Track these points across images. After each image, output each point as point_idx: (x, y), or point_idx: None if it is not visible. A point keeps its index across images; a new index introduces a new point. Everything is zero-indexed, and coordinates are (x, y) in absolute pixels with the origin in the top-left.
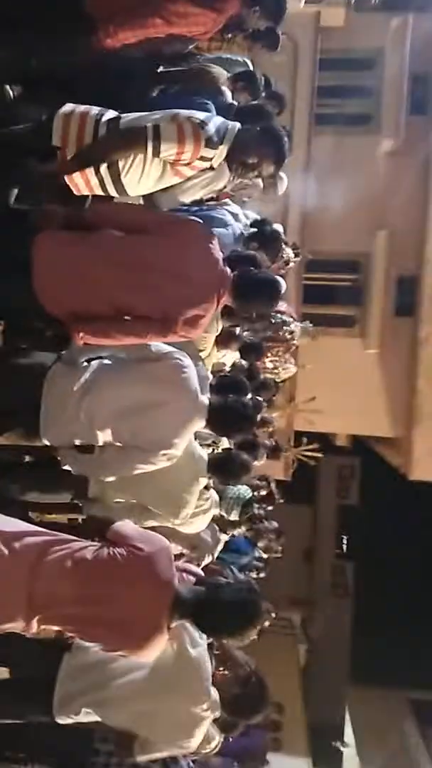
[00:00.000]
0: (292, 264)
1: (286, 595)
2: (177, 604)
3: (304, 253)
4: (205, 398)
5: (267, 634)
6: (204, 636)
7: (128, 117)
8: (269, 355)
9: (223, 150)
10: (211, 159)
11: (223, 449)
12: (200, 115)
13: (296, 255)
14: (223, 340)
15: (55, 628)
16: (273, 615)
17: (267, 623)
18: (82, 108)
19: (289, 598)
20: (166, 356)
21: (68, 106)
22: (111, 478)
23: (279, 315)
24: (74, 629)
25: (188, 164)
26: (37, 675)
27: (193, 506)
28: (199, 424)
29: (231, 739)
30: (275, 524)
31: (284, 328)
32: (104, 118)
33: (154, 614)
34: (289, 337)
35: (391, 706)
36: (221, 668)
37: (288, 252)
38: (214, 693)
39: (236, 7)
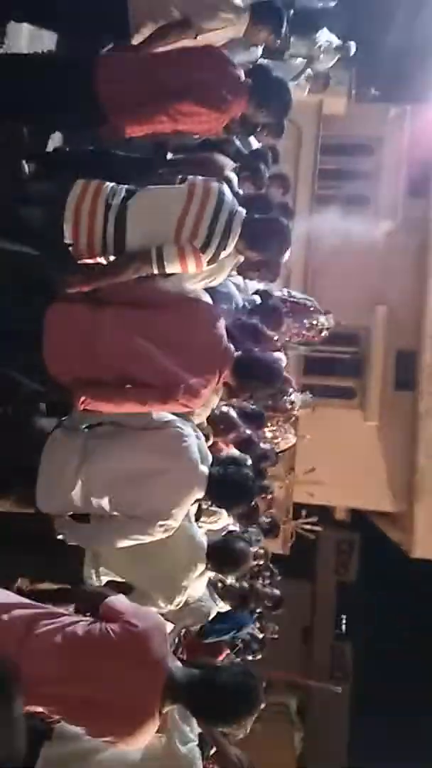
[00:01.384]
0: (326, 332)
1: (283, 677)
2: (170, 686)
3: (337, 320)
4: (205, 468)
5: (261, 719)
6: (195, 731)
7: (137, 206)
8: (269, 424)
9: (226, 251)
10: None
11: (222, 536)
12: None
13: (328, 323)
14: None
15: (39, 709)
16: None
17: (262, 707)
18: (91, 196)
19: (285, 682)
20: (167, 425)
21: (77, 190)
22: (106, 549)
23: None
24: (60, 710)
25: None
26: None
27: (187, 594)
28: (198, 495)
29: None
30: (277, 592)
31: (284, 398)
32: (112, 213)
33: (145, 696)
34: (289, 407)
35: None
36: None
37: (322, 321)
38: None
39: (242, 108)
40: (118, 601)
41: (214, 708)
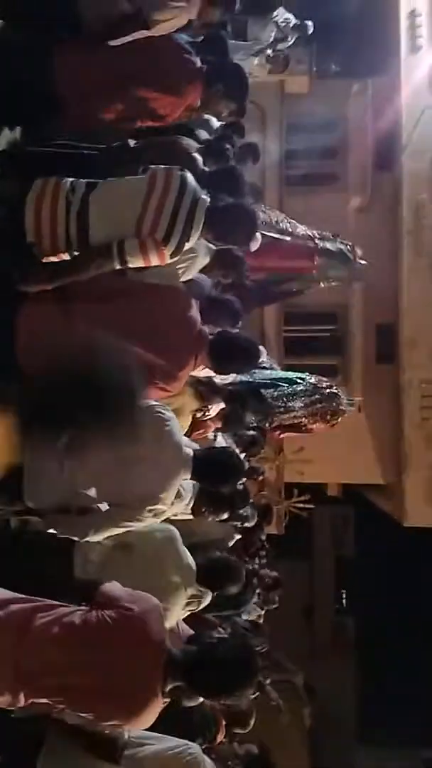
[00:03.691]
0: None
1: (287, 656)
2: (170, 665)
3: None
4: (189, 450)
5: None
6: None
7: (98, 201)
8: (320, 419)
9: (190, 242)
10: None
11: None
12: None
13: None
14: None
15: (43, 700)
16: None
17: (268, 682)
18: (50, 194)
19: (290, 660)
20: (148, 409)
21: (36, 189)
22: (97, 538)
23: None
24: (63, 700)
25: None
26: None
27: (175, 618)
28: (185, 477)
29: None
30: (275, 573)
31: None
32: (73, 209)
33: (147, 678)
34: (337, 403)
35: (404, 765)
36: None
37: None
38: None
39: (199, 92)
40: (113, 587)
41: (212, 682)
